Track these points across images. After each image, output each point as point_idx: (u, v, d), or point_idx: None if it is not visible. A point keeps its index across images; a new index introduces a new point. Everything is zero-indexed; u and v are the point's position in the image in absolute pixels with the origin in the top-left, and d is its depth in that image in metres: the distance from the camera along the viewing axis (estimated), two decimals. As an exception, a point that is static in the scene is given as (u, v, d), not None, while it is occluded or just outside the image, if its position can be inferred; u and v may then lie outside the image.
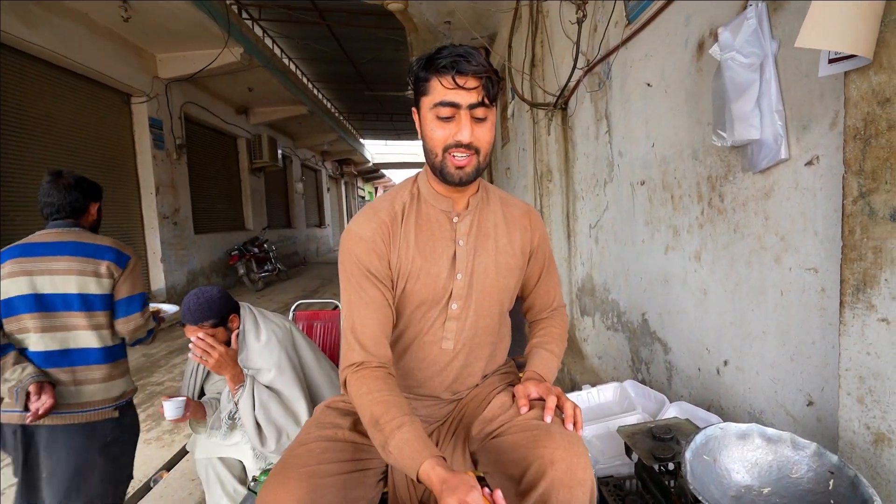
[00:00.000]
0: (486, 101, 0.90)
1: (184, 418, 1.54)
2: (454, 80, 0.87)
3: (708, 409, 1.59)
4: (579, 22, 2.44)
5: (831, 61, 0.94)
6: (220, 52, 5.81)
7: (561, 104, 3.02)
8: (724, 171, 1.46)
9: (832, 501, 0.75)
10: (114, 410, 1.56)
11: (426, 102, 0.92)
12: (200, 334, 1.46)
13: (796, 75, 1.13)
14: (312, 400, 1.61)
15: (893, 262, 0.84)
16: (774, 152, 1.19)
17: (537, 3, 3.35)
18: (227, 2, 6.06)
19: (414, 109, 0.99)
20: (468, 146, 0.91)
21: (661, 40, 1.78)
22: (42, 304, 1.46)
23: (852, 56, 0.87)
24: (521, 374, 1.29)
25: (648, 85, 1.91)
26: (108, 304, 1.54)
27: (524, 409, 0.93)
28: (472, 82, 0.88)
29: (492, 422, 0.99)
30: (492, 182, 6.61)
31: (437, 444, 1.06)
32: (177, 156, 6.56)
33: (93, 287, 1.51)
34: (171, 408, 1.47)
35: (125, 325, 1.56)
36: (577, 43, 2.50)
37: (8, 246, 1.51)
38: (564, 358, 3.09)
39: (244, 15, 6.92)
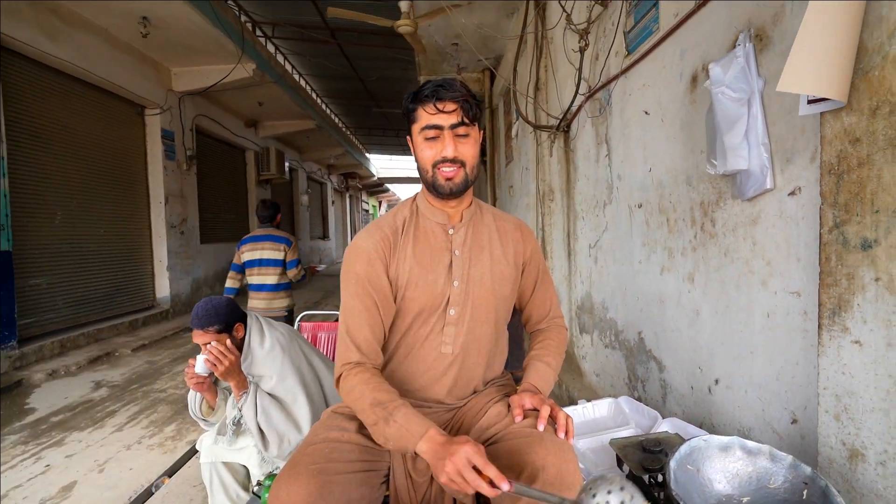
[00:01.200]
0: (466, 120, 1.04)
1: (207, 380, 1.63)
2: (435, 106, 1.02)
3: (700, 426, 1.64)
4: (582, 50, 2.55)
5: (810, 102, 1.03)
6: (233, 68, 5.99)
7: (563, 127, 3.12)
8: (715, 198, 1.53)
9: (807, 511, 0.80)
10: (284, 311, 3.36)
11: (415, 129, 1.07)
12: (214, 343, 1.53)
13: (780, 112, 1.21)
14: (327, 402, 1.67)
15: (864, 289, 0.91)
16: (761, 182, 1.27)
17: (542, 30, 3.48)
18: (243, 20, 6.26)
19: (408, 137, 1.13)
20: (453, 160, 1.05)
21: (658, 72, 1.88)
22: (260, 263, 3.31)
23: (828, 99, 0.95)
24: (518, 387, 1.35)
25: (646, 113, 2.00)
26: (283, 264, 3.34)
27: (518, 419, 0.99)
28: (450, 106, 1.02)
29: (488, 429, 1.05)
30: (495, 199, 6.72)
31: None
32: (187, 167, 6.70)
33: (279, 256, 3.32)
34: (200, 360, 1.55)
35: (291, 273, 3.37)
36: (580, 70, 2.61)
37: (244, 237, 3.41)
38: (563, 375, 3.13)
39: (258, 32, 7.13)
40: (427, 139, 1.05)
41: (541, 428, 0.94)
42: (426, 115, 1.04)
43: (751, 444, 0.91)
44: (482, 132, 1.16)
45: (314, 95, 10.27)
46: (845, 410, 0.96)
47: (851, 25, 0.88)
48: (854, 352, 0.94)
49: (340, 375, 1.04)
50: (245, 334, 1.63)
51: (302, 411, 1.58)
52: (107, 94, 5.44)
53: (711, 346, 1.59)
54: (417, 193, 1.19)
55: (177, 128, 6.49)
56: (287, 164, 10.18)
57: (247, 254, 3.32)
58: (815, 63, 0.91)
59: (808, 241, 1.15)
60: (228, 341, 1.55)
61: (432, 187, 1.08)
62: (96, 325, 5.10)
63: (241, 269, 3.38)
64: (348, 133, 13.98)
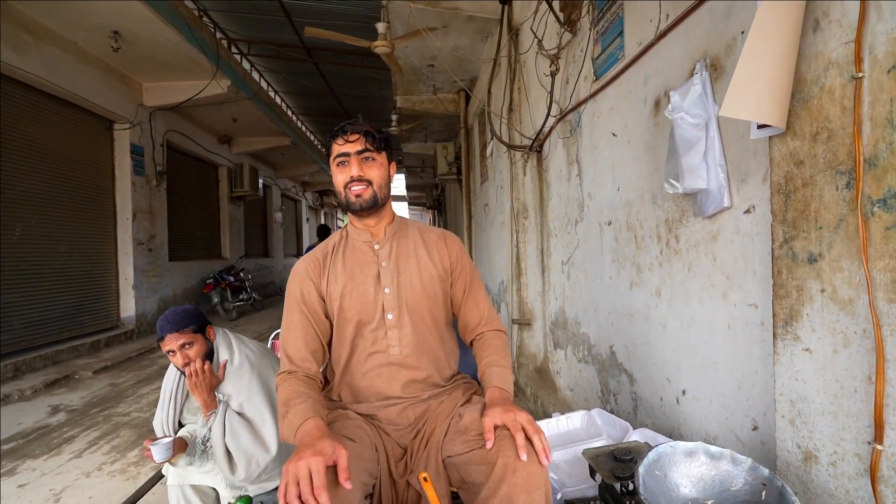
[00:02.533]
0: (370, 147, 1.21)
1: (171, 458, 1.52)
2: (343, 138, 1.21)
3: (669, 436, 1.68)
4: (553, 74, 2.66)
5: (759, 127, 1.11)
6: (207, 84, 5.95)
7: (536, 147, 3.22)
8: (678, 216, 1.61)
9: (766, 512, 0.85)
10: None
11: (331, 161, 1.25)
12: (202, 365, 1.49)
13: (735, 135, 1.30)
14: None
15: (812, 300, 0.98)
16: (719, 201, 1.35)
17: (515, 55, 3.60)
18: (218, 37, 6.25)
19: (331, 173, 1.29)
20: (359, 179, 1.21)
21: (625, 96, 1.98)
22: None
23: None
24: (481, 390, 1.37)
25: (614, 135, 2.09)
26: None
27: (489, 444, 0.98)
28: (354, 136, 1.21)
29: (464, 434, 1.07)
30: (470, 217, 6.80)
31: (411, 456, 1.14)
32: (156, 182, 6.55)
33: None
34: (160, 451, 1.43)
35: None
36: (551, 93, 2.71)
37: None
38: (538, 390, 3.16)
39: (233, 49, 7.12)
40: (338, 165, 1.23)
41: (523, 458, 0.94)
42: (336, 147, 1.22)
43: (714, 448, 0.95)
44: (394, 163, 1.32)
45: (289, 112, 10.25)
46: (799, 415, 1.01)
47: (787, 56, 0.97)
48: (805, 359, 1.00)
49: (276, 385, 1.16)
50: (216, 338, 1.62)
51: (270, 431, 1.55)
52: (74, 108, 5.31)
53: (678, 358, 1.65)
54: (348, 223, 1.37)
55: (147, 143, 6.36)
56: (261, 181, 10.07)
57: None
58: (754, 91, 0.99)
59: (762, 255, 1.22)
60: (208, 364, 1.52)
61: (346, 206, 1.24)
62: (55, 347, 4.86)
63: None
64: (324, 150, 13.93)
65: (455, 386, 1.28)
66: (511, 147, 3.62)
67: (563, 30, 2.58)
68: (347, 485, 0.86)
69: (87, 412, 3.63)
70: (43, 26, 4.60)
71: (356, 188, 1.21)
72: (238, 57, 7.19)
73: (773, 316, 1.07)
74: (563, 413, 1.80)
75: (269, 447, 1.53)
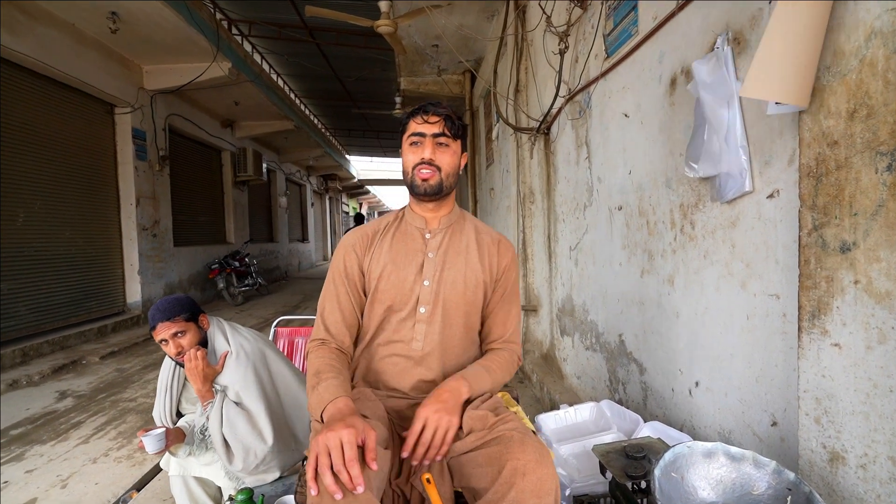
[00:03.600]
0: (447, 132, 1.16)
1: (164, 450, 1.49)
2: (422, 117, 1.17)
3: (681, 429, 1.64)
4: (561, 53, 2.55)
5: (777, 103, 1.02)
6: (208, 66, 5.83)
7: (543, 129, 3.12)
8: (694, 200, 1.54)
9: (790, 517, 0.80)
10: None
11: (404, 138, 1.21)
12: (196, 351, 1.46)
13: (758, 115, 1.22)
14: (289, 410, 1.61)
15: (843, 291, 0.91)
16: (740, 185, 1.27)
17: (522, 33, 3.48)
18: (218, 17, 6.12)
19: (400, 150, 1.25)
20: (430, 163, 1.16)
21: (638, 74, 1.88)
22: None
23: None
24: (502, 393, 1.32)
25: (626, 115, 2.00)
26: None
27: (405, 454, 0.97)
28: (434, 118, 1.17)
29: (468, 435, 1.02)
30: (476, 201, 6.71)
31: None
32: (159, 167, 6.49)
33: None
34: (151, 442, 1.41)
35: None
36: (560, 72, 2.61)
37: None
38: (544, 378, 3.12)
39: (234, 31, 6.98)
40: (411, 145, 1.18)
41: (404, 455, 0.97)
42: (413, 125, 1.18)
43: (734, 450, 0.90)
44: (465, 153, 1.27)
45: (292, 95, 10.11)
46: (826, 413, 0.95)
47: (815, 31, 0.88)
48: (834, 354, 0.94)
49: (308, 351, 1.15)
50: (210, 327, 1.58)
51: (265, 422, 1.52)
52: (73, 92, 5.23)
53: (691, 348, 1.59)
54: (407, 205, 1.32)
55: (148, 127, 6.28)
56: (265, 166, 9.99)
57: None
58: (779, 68, 0.90)
59: (786, 243, 1.15)
60: (202, 350, 1.48)
61: (411, 187, 1.20)
62: (62, 332, 4.88)
63: None
64: (328, 134, 13.81)
65: None
66: (517, 129, 3.52)
67: (573, 5, 2.46)
68: (374, 465, 0.84)
69: (94, 397, 3.65)
70: (38, 6, 4.49)
71: (425, 171, 1.16)
72: (239, 38, 7.05)
73: (799, 308, 1.01)
74: (571, 404, 1.76)
75: (266, 438, 1.51)
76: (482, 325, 1.28)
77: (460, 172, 1.25)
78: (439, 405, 1.00)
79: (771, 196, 1.19)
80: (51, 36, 4.68)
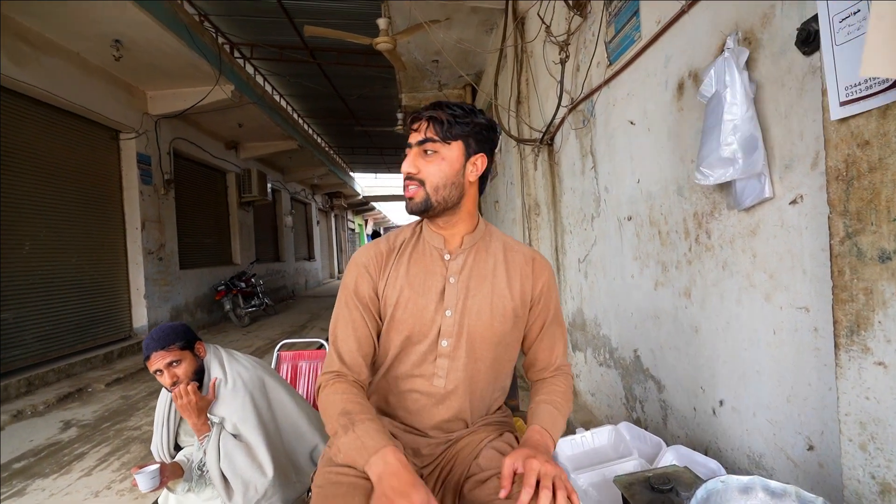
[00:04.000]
0: (436, 136, 1.00)
1: (160, 486, 1.40)
2: (411, 127, 1.03)
3: (706, 452, 1.54)
4: (562, 62, 2.51)
5: (844, 103, 0.88)
6: (211, 90, 5.88)
7: (547, 140, 3.07)
8: (709, 208, 1.46)
9: (843, 562, 0.71)
10: None
11: None
12: (186, 387, 1.40)
13: (776, 116, 1.15)
14: (289, 441, 1.54)
15: (886, 304, 0.83)
16: (759, 191, 1.20)
17: (522, 44, 3.45)
18: (220, 41, 6.19)
19: None
20: (410, 177, 1.01)
21: (643, 80, 1.83)
22: None
23: (865, 97, 0.83)
24: (515, 418, 1.24)
25: (632, 123, 1.94)
26: None
27: (503, 493, 0.83)
28: (416, 124, 1.02)
29: (483, 472, 0.95)
30: (480, 214, 6.65)
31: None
32: (164, 191, 6.52)
33: None
34: (144, 480, 1.31)
35: None
36: (561, 82, 2.56)
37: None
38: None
39: (236, 54, 7.06)
40: (405, 158, 1.05)
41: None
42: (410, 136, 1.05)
43: (774, 484, 0.81)
44: (482, 155, 1.05)
45: (295, 115, 10.20)
46: (872, 440, 0.86)
47: None
48: (878, 374, 0.85)
49: (321, 385, 1.00)
50: (206, 355, 1.52)
51: (263, 452, 1.45)
52: (79, 119, 5.28)
53: (713, 364, 1.50)
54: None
55: (153, 151, 6.33)
56: (269, 186, 10.02)
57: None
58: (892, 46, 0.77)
59: (814, 252, 1.07)
60: (193, 385, 1.42)
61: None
62: (68, 360, 4.84)
63: None
64: (331, 152, 13.90)
65: (489, 422, 1.11)
66: (520, 141, 3.48)
67: (572, 14, 2.42)
68: None
69: (98, 426, 3.59)
70: (43, 37, 4.56)
71: (409, 188, 1.01)
72: (241, 61, 7.13)
73: (834, 323, 0.92)
74: (586, 423, 1.66)
75: (266, 470, 1.43)
76: (524, 352, 1.16)
77: (471, 179, 1.04)
78: (530, 451, 0.87)
79: (794, 202, 1.12)
80: (56, 65, 4.74)
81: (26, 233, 4.59)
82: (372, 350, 1.05)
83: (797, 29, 1.03)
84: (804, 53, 1.03)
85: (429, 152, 1.00)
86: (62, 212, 5.02)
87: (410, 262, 1.07)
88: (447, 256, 1.06)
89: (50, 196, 4.87)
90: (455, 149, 1.01)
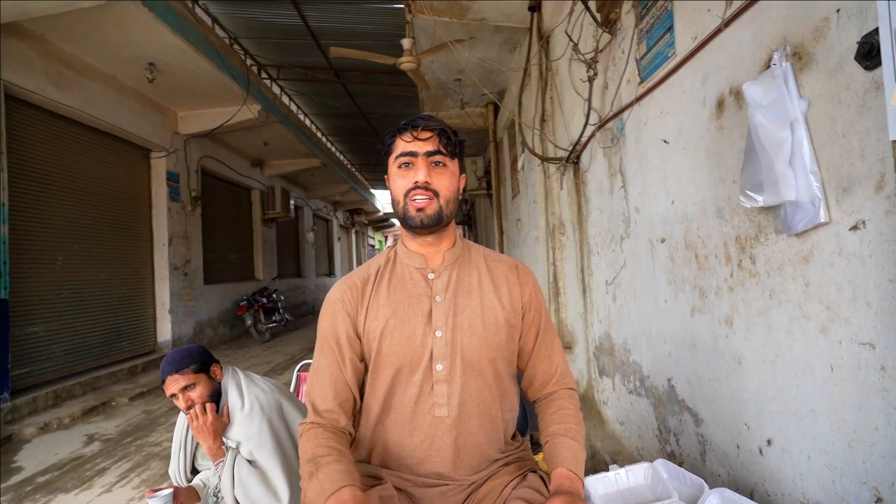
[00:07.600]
0: (443, 150, 0.98)
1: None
2: (412, 133, 0.98)
3: (751, 495, 1.42)
4: (590, 80, 2.46)
5: None
6: (238, 110, 6.04)
7: (573, 159, 3.01)
8: (754, 233, 1.37)
9: None
10: None
11: (391, 161, 1.02)
12: (202, 406, 1.37)
13: (831, 135, 1.07)
14: None
15: (976, 347, 0.73)
16: (812, 215, 1.11)
17: (547, 62, 3.43)
18: (248, 63, 6.37)
19: (386, 176, 1.06)
20: (426, 188, 0.97)
21: (677, 98, 1.76)
22: None
23: None
24: (536, 456, 1.16)
25: (665, 142, 1.87)
26: None
27: None
28: (426, 134, 0.98)
29: None
30: (502, 232, 6.59)
31: None
32: (191, 207, 6.67)
33: None
34: (158, 501, 1.29)
35: None
36: (589, 100, 2.51)
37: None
38: (583, 422, 2.89)
39: (263, 75, 7.26)
40: (400, 167, 1.00)
41: None
42: (402, 144, 1.00)
43: (850, 550, 0.71)
44: (464, 175, 1.09)
45: (319, 134, 10.40)
46: (962, 500, 0.76)
47: None
48: (968, 426, 0.75)
49: (300, 435, 0.98)
50: (223, 377, 1.49)
51: (280, 479, 1.41)
52: (113, 139, 5.47)
53: (760, 400, 1.39)
54: (397, 241, 1.13)
55: (182, 169, 6.50)
56: (292, 203, 10.20)
57: None
58: None
59: (879, 282, 0.98)
60: (211, 405, 1.39)
61: (403, 220, 1.01)
62: (94, 373, 4.92)
63: None
64: (353, 170, 14.10)
65: (509, 459, 1.05)
66: (545, 159, 3.42)
67: (600, 31, 2.38)
68: None
69: (120, 441, 3.60)
70: (82, 61, 4.76)
71: (419, 199, 0.97)
72: (268, 82, 7.33)
73: (910, 364, 0.83)
74: (615, 454, 1.56)
75: (282, 497, 1.39)
76: (521, 370, 1.11)
77: (461, 198, 1.07)
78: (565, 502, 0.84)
79: (854, 228, 1.03)
80: (94, 88, 4.94)
81: (60, 248, 4.73)
82: (351, 396, 1.01)
83: (857, 42, 0.96)
84: (865, 68, 0.96)
85: (439, 164, 0.99)
86: (94, 227, 5.18)
87: (390, 288, 1.03)
88: (431, 275, 1.03)
89: (82, 213, 5.03)
90: (456, 165, 1.03)
